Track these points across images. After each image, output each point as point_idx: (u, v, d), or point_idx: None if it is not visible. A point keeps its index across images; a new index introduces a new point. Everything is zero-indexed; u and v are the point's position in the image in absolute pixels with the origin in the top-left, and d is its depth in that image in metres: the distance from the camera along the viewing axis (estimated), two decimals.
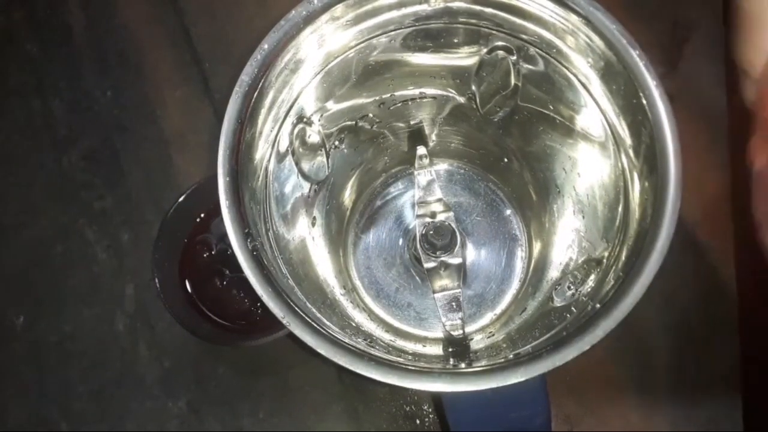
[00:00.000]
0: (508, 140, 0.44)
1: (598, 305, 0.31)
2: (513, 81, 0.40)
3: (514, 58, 0.39)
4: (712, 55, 0.49)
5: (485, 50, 0.40)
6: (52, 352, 0.47)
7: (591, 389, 0.46)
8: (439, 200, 0.43)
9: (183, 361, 0.47)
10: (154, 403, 0.46)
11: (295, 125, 0.39)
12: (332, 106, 0.41)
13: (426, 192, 0.44)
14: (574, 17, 0.33)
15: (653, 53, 0.32)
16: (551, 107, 0.40)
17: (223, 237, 0.31)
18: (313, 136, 0.41)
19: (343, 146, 0.44)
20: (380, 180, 0.48)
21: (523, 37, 0.37)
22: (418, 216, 0.43)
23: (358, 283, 0.45)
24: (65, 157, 0.50)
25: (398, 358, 0.32)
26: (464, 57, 0.41)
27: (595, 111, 0.36)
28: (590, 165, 0.40)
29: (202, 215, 0.45)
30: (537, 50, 0.37)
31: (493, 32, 0.38)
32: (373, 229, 0.47)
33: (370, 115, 0.44)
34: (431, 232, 0.42)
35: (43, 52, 0.53)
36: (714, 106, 0.48)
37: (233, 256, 0.30)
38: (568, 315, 0.37)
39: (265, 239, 0.34)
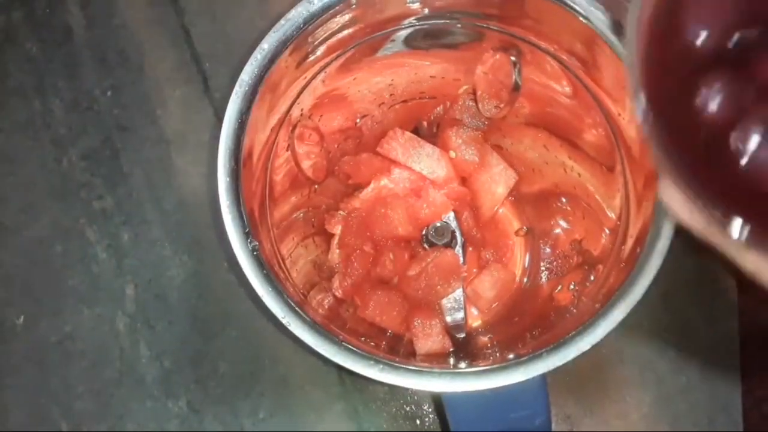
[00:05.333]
0: (507, 141, 0.44)
1: (598, 306, 0.32)
2: (514, 80, 0.40)
3: (515, 57, 0.39)
4: None
5: (486, 50, 0.40)
6: (52, 352, 0.47)
7: (591, 389, 0.46)
8: None
9: (183, 361, 0.47)
10: (154, 403, 0.46)
11: (295, 125, 0.39)
12: (332, 107, 0.41)
13: None
14: (574, 17, 0.33)
15: None
16: (552, 106, 0.40)
17: None
18: (313, 136, 0.41)
19: (344, 146, 0.44)
20: None
21: (524, 36, 0.37)
22: None
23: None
24: (65, 157, 0.50)
25: (398, 358, 0.32)
26: (464, 57, 0.41)
27: (596, 110, 0.37)
28: (591, 165, 0.40)
29: None
30: (537, 49, 0.37)
31: (494, 32, 0.38)
32: None
33: (371, 115, 0.44)
34: (432, 232, 0.42)
35: (43, 52, 0.53)
36: None
37: None
38: (568, 315, 0.37)
39: (265, 238, 0.34)
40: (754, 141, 0.20)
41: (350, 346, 0.30)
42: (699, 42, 0.21)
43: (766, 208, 0.21)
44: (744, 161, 0.20)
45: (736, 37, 0.21)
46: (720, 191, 0.21)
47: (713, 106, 0.21)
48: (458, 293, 0.42)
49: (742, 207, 0.20)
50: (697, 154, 0.21)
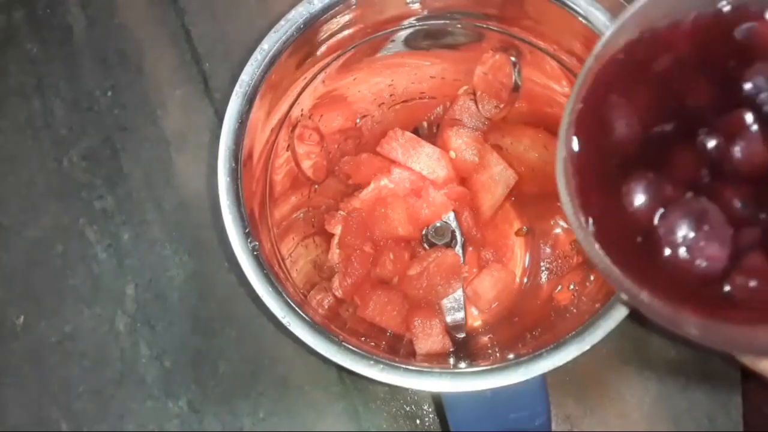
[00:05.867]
0: (507, 141, 0.44)
1: (598, 305, 0.32)
2: (514, 80, 0.40)
3: (515, 57, 0.39)
4: None
5: (486, 50, 0.40)
6: (52, 352, 0.47)
7: (591, 389, 0.46)
8: None
9: (183, 361, 0.47)
10: (155, 402, 0.46)
11: (295, 125, 0.39)
12: (332, 107, 0.42)
13: None
14: (574, 17, 0.33)
15: None
16: (551, 106, 0.40)
17: None
18: (313, 136, 0.41)
19: (344, 146, 0.44)
20: None
21: (523, 37, 0.37)
22: None
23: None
24: (66, 157, 0.50)
25: (398, 358, 0.32)
26: (464, 57, 0.41)
27: None
28: None
29: None
30: (537, 50, 0.37)
31: (493, 32, 0.38)
32: None
33: (371, 115, 0.44)
34: (432, 232, 0.42)
35: (43, 52, 0.53)
36: None
37: None
38: (568, 315, 0.37)
39: (265, 238, 0.34)
40: (679, 232, 0.22)
41: (350, 346, 0.30)
42: (619, 139, 0.24)
43: (704, 297, 0.22)
44: (670, 252, 0.22)
45: (654, 131, 0.23)
46: (661, 288, 0.23)
47: (637, 204, 0.23)
48: (458, 293, 0.42)
49: (683, 298, 0.22)
50: (634, 252, 0.23)
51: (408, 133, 0.42)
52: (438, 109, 0.45)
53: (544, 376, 0.30)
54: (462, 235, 0.43)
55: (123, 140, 0.51)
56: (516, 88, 0.40)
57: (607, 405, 0.45)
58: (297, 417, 0.46)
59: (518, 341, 0.37)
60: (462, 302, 0.42)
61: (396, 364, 0.30)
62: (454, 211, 0.43)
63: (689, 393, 0.45)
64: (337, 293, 0.41)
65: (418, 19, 0.37)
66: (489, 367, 0.31)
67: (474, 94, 0.43)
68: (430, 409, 0.46)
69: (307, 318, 0.31)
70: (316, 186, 0.43)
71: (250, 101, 0.32)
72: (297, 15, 0.33)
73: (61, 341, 0.47)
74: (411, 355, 0.39)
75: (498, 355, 0.37)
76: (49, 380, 0.47)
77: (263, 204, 0.36)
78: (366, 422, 0.45)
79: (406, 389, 0.46)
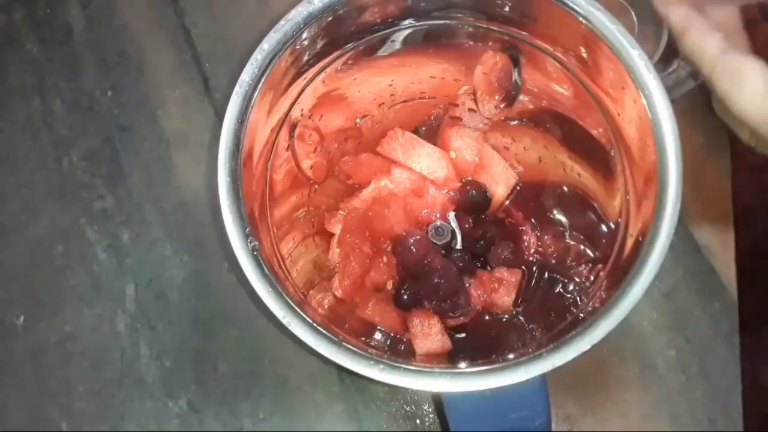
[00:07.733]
0: (507, 141, 0.44)
1: (598, 305, 0.32)
2: (514, 80, 0.40)
3: (515, 57, 0.39)
4: None
5: (486, 50, 0.40)
6: (52, 352, 0.47)
7: (591, 389, 0.46)
8: None
9: (183, 361, 0.47)
10: (155, 403, 0.46)
11: (295, 125, 0.39)
12: (332, 107, 0.42)
13: None
14: (574, 17, 0.33)
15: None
16: (551, 106, 0.40)
17: None
18: (313, 136, 0.41)
19: (344, 146, 0.44)
20: None
21: (524, 36, 0.37)
22: None
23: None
24: (66, 157, 0.50)
25: (398, 358, 0.32)
26: (464, 57, 0.41)
27: (595, 111, 0.37)
28: (590, 165, 0.40)
29: None
30: (537, 50, 0.37)
31: (494, 32, 0.38)
32: None
33: (371, 115, 0.44)
34: (432, 232, 0.42)
35: (43, 52, 0.53)
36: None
37: None
38: (568, 315, 0.37)
39: (265, 238, 0.34)
40: None
41: (350, 346, 0.30)
42: None
43: None
44: None
45: None
46: None
47: None
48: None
49: None
50: None
51: (408, 133, 0.42)
52: (438, 109, 0.45)
53: (544, 376, 0.30)
54: (462, 235, 0.43)
55: (123, 140, 0.51)
56: (516, 88, 0.40)
57: (607, 405, 0.45)
58: (297, 417, 0.46)
59: (518, 341, 0.37)
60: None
61: (396, 364, 0.30)
62: (454, 211, 0.43)
63: (689, 393, 0.45)
64: (337, 293, 0.41)
65: (418, 19, 0.37)
66: (489, 367, 0.31)
67: (474, 94, 0.43)
68: (430, 409, 0.46)
69: (307, 318, 0.31)
70: (316, 186, 0.43)
71: (250, 101, 0.32)
72: (297, 15, 0.33)
73: (61, 341, 0.47)
74: (411, 355, 0.39)
75: (498, 355, 0.37)
76: (49, 380, 0.47)
77: (263, 204, 0.36)
78: (366, 422, 0.45)
79: (406, 389, 0.46)
